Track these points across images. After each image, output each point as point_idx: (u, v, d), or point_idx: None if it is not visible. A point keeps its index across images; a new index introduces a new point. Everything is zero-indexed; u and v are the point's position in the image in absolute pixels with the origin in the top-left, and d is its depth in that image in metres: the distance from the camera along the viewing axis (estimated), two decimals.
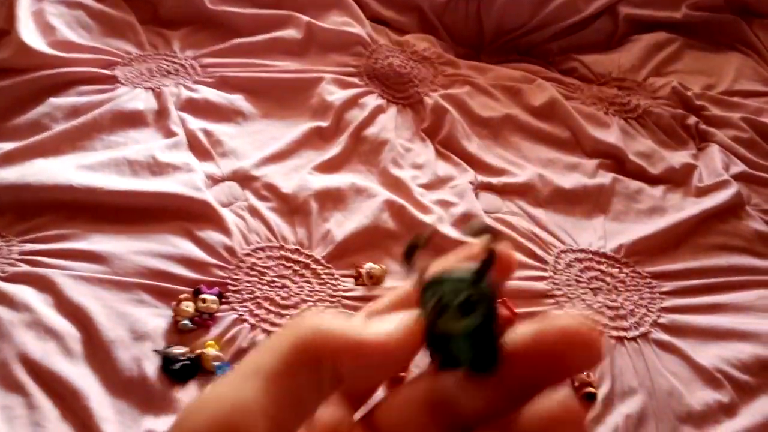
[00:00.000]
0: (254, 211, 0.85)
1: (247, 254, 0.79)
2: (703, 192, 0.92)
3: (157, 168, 0.87)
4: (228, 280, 0.76)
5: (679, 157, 0.98)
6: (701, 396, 0.68)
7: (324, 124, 0.97)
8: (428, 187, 0.91)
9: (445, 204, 0.88)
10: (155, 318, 0.73)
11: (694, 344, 0.73)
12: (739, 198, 0.89)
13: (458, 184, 0.91)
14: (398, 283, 0.79)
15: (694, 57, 1.15)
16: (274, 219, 0.84)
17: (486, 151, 0.98)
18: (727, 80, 1.12)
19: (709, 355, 0.72)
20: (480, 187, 0.92)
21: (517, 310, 0.75)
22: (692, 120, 1.04)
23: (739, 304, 0.78)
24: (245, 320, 0.72)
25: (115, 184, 0.83)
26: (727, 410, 0.67)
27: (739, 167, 0.96)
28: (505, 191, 0.91)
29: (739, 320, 0.76)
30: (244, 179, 0.89)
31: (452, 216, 0.86)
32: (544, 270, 0.81)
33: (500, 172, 0.94)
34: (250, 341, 0.71)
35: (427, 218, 0.85)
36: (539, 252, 0.83)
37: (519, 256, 0.82)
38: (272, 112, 1.01)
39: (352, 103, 1.00)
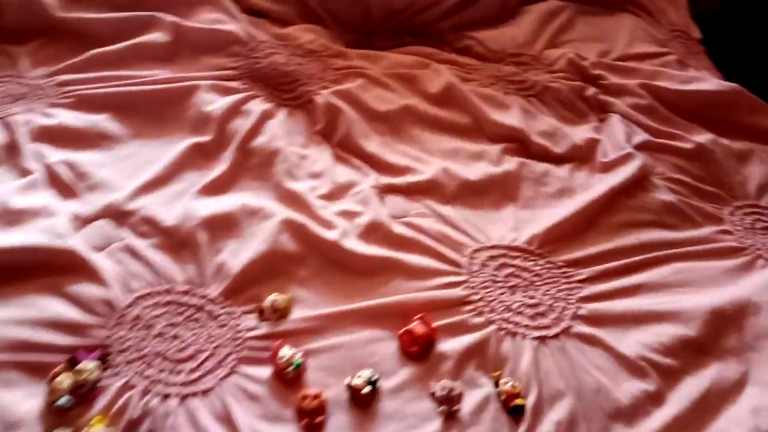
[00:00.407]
0: (133, 252, 0.74)
1: (130, 305, 0.70)
2: (608, 167, 0.90)
3: (10, 217, 0.74)
4: (110, 341, 0.66)
5: (581, 132, 0.95)
6: (628, 388, 0.66)
7: (205, 138, 0.87)
8: (329, 197, 0.84)
9: (348, 215, 0.81)
10: (28, 400, 0.62)
11: (615, 333, 0.71)
12: (644, 170, 0.87)
13: (361, 190, 0.84)
14: (308, 311, 0.72)
15: (587, 23, 1.13)
16: (157, 258, 0.74)
17: (387, 148, 0.91)
18: (621, 44, 1.10)
19: (631, 342, 0.70)
20: (385, 191, 0.85)
21: (435, 324, 0.70)
22: (591, 91, 1.02)
23: (655, 282, 0.77)
24: (134, 386, 0.63)
25: None
26: (655, 399, 0.66)
27: (641, 136, 0.95)
28: (411, 191, 0.86)
29: (657, 300, 0.74)
30: (118, 215, 0.78)
31: (358, 227, 0.79)
32: (459, 274, 0.76)
33: (404, 170, 0.88)
34: (143, 409, 0.62)
35: (330, 234, 0.78)
36: (452, 255, 0.78)
37: (432, 263, 0.77)
38: (144, 130, 0.89)
39: (234, 111, 0.91)
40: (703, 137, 0.95)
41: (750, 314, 0.72)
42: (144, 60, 0.96)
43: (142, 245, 0.75)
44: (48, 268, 0.71)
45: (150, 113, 0.90)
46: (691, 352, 0.70)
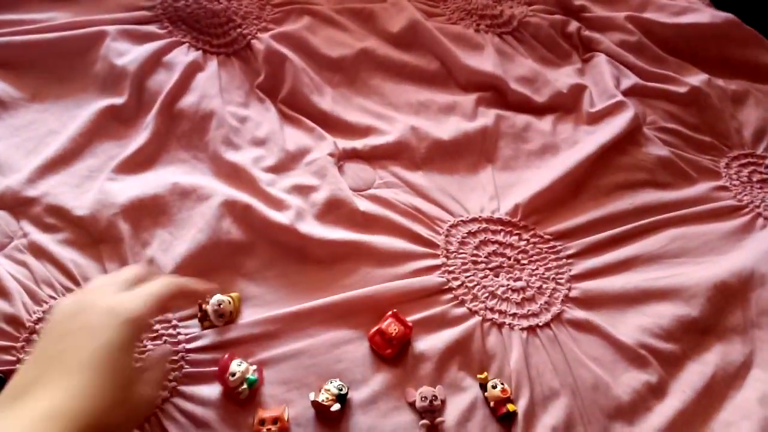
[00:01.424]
0: (39, 251, 0.61)
1: (39, 320, 0.57)
2: (596, 118, 0.79)
3: None
4: (18, 365, 0.54)
5: (564, 77, 0.83)
6: (627, 381, 0.59)
7: (119, 100, 0.71)
8: (277, 169, 0.70)
9: (303, 190, 0.68)
10: None
11: (611, 316, 0.64)
12: (636, 121, 0.77)
13: (316, 159, 0.71)
14: (260, 313, 0.60)
15: None
16: (70, 256, 0.61)
17: (344, 104, 0.78)
18: None
19: (629, 327, 0.63)
20: (343, 157, 0.72)
21: (411, 319, 0.61)
22: (573, 26, 0.89)
23: (652, 253, 0.69)
24: None
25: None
26: (657, 391, 0.59)
27: (630, 80, 0.84)
28: (374, 157, 0.73)
29: (654, 275, 0.66)
30: (16, 204, 0.63)
31: (315, 206, 0.67)
32: (436, 256, 0.66)
33: (365, 131, 0.75)
34: None
35: (282, 216, 0.65)
36: (426, 234, 0.67)
37: (405, 245, 0.66)
38: (43, 92, 0.72)
39: (153, 63, 0.74)
40: (697, 78, 0.85)
41: (755, 286, 0.65)
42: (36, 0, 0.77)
43: (49, 241, 0.61)
44: None
45: (49, 69, 0.73)
46: (693, 334, 0.63)
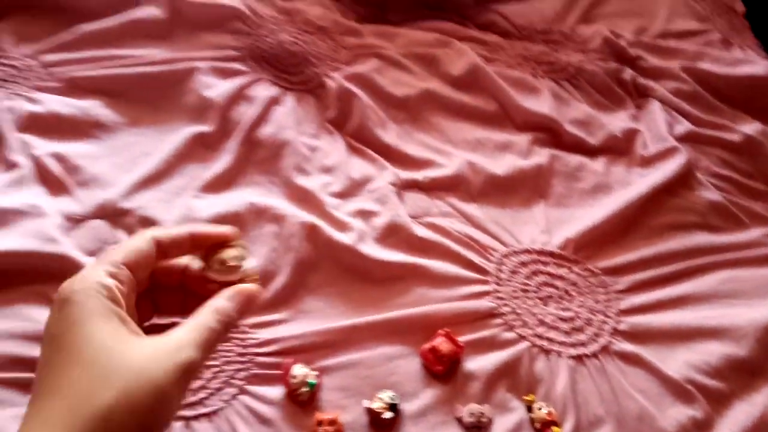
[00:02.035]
0: None
1: None
2: (648, 162, 0.82)
3: None
4: None
5: (618, 121, 0.87)
6: (673, 415, 0.60)
7: (206, 128, 0.79)
8: (343, 195, 0.76)
9: (365, 215, 0.74)
10: (19, 421, 0.56)
11: (659, 351, 0.65)
12: (688, 166, 0.80)
13: (378, 187, 0.77)
14: (321, 324, 0.65)
15: None
16: None
17: (406, 139, 0.84)
18: (660, 19, 1.01)
19: (677, 362, 0.64)
20: (403, 187, 0.78)
21: (462, 340, 0.64)
22: (628, 74, 0.93)
23: (702, 293, 0.70)
24: None
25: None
26: (703, 427, 0.60)
27: (683, 126, 0.86)
28: (432, 188, 0.78)
29: (704, 314, 0.68)
30: (113, 215, 0.71)
31: (375, 229, 0.72)
32: (486, 282, 0.70)
33: (425, 164, 0.81)
34: None
35: (345, 237, 0.71)
36: (478, 260, 0.71)
37: (457, 270, 0.70)
38: (140, 118, 0.81)
39: (237, 96, 0.83)
40: (751, 127, 0.87)
41: None
42: (137, 38, 0.87)
43: None
44: (37, 275, 0.64)
45: (145, 98, 0.82)
46: (742, 374, 0.64)
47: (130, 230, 0.70)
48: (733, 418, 0.61)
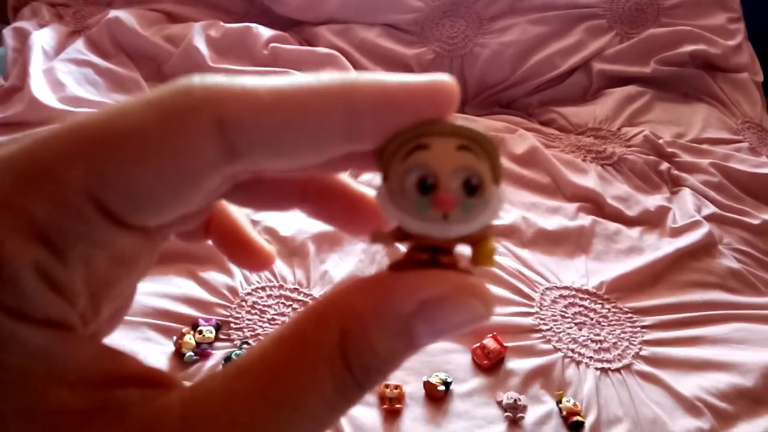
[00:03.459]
0: None
1: (248, 293, 0.83)
2: (677, 232, 0.97)
3: None
4: (230, 318, 0.80)
5: (653, 201, 1.04)
6: (683, 424, 0.71)
7: None
8: None
9: None
10: (159, 355, 0.76)
11: (674, 375, 0.77)
12: (711, 237, 0.94)
13: None
14: None
15: (663, 108, 1.24)
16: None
17: None
18: (695, 129, 1.20)
19: (689, 385, 0.75)
20: None
21: (506, 344, 0.79)
22: (664, 166, 1.11)
23: (716, 337, 0.82)
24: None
25: None
26: None
27: (710, 209, 1.02)
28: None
29: (716, 352, 0.80)
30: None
31: None
32: (531, 306, 0.85)
33: None
34: None
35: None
36: (525, 289, 0.87)
37: (507, 294, 0.86)
38: None
39: None
40: None
41: None
42: None
43: None
44: (189, 257, 0.86)
45: None
46: (747, 401, 0.74)
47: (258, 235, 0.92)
48: None
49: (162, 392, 0.15)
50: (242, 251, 0.23)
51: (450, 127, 0.17)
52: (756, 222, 1.00)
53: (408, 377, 0.76)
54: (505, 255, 0.93)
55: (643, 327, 0.84)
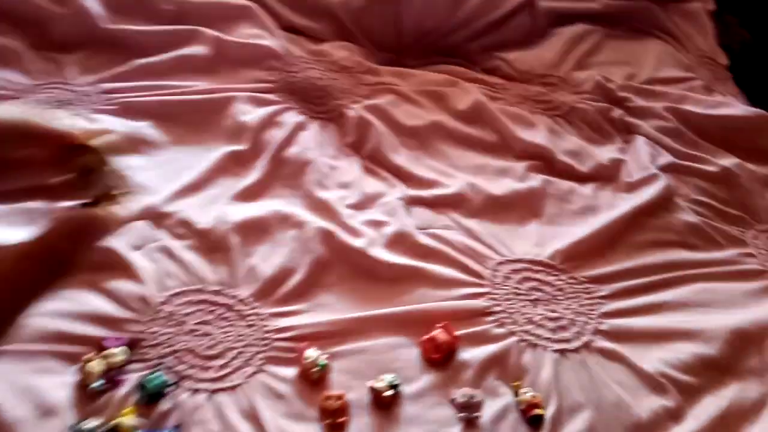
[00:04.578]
0: (169, 253, 0.78)
1: (163, 302, 0.72)
2: (632, 187, 0.91)
3: None
4: (144, 335, 0.69)
5: (606, 153, 0.97)
6: (648, 404, 0.67)
7: (240, 147, 0.91)
8: (357, 207, 0.86)
9: (375, 224, 0.83)
10: (60, 387, 0.65)
11: (636, 349, 0.72)
12: (668, 191, 0.88)
13: (388, 202, 0.86)
14: (333, 315, 0.73)
15: (614, 47, 1.15)
16: (191, 259, 0.77)
17: (415, 162, 0.94)
18: (648, 68, 1.12)
19: (652, 359, 0.71)
20: (411, 202, 0.88)
21: (457, 333, 0.72)
22: (617, 113, 1.03)
23: (678, 301, 0.77)
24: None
25: (6, 237, 0.74)
26: (674, 415, 0.66)
27: (665, 158, 0.96)
28: (437, 204, 0.88)
29: (678, 318, 0.75)
30: (155, 217, 0.81)
31: (384, 237, 0.82)
32: (482, 285, 0.78)
33: (431, 183, 0.91)
34: (173, 402, 0.64)
35: (357, 242, 0.80)
36: (475, 266, 0.80)
37: (455, 274, 0.78)
38: (183, 138, 0.93)
39: (269, 122, 0.94)
40: (729, 161, 0.96)
41: None
42: (185, 71, 1.00)
43: (177, 246, 0.78)
44: (87, 264, 0.74)
45: (189, 122, 0.94)
46: (711, 371, 0.70)
47: (170, 230, 0.80)
48: (702, 409, 0.67)
49: None
50: None
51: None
52: (714, 169, 0.94)
53: (351, 381, 0.68)
54: (452, 228, 0.85)
55: (601, 297, 0.78)
